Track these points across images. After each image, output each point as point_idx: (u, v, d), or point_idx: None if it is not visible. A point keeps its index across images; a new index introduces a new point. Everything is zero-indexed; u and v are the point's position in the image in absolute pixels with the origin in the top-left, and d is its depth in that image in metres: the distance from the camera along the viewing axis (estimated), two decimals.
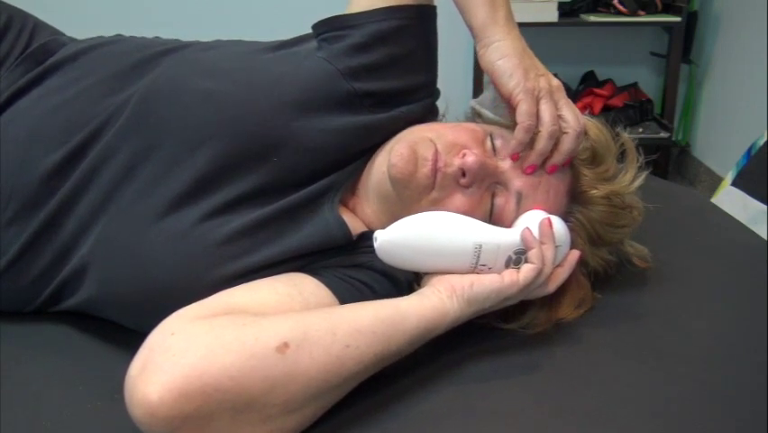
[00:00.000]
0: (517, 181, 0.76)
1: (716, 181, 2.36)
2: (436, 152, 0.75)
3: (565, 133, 0.75)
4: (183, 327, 0.61)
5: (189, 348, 0.58)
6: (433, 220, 0.73)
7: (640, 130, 2.66)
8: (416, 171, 0.74)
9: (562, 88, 0.78)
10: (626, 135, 0.83)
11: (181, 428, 0.56)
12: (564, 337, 0.77)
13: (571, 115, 0.76)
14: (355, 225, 0.80)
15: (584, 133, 0.78)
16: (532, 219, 0.75)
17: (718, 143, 2.69)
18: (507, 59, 0.76)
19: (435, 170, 0.75)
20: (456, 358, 0.73)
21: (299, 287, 0.72)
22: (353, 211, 0.84)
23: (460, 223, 0.73)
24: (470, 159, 0.74)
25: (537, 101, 0.75)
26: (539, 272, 0.72)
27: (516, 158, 0.76)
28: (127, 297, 0.74)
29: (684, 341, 0.78)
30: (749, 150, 1.77)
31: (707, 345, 0.77)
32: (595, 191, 0.79)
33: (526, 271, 0.71)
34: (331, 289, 0.73)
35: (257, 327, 0.61)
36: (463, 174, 0.74)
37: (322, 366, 0.61)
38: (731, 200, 1.70)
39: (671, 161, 2.89)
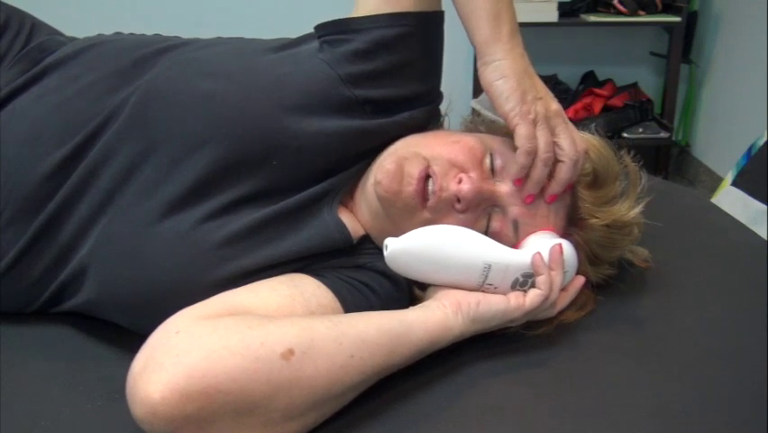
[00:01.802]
0: (514, 209, 0.75)
1: (716, 181, 2.36)
2: (426, 168, 0.74)
3: (561, 161, 0.74)
4: (187, 327, 0.61)
5: (193, 348, 0.58)
6: (445, 234, 0.72)
7: (640, 130, 2.66)
8: (401, 190, 0.74)
9: (562, 113, 0.76)
10: (628, 158, 0.82)
11: (182, 429, 0.56)
12: (565, 338, 0.77)
13: (568, 143, 0.74)
14: (355, 228, 0.80)
15: (584, 157, 0.76)
16: (543, 243, 0.74)
17: (718, 143, 2.69)
18: (504, 80, 0.74)
19: (422, 189, 0.74)
20: (457, 359, 0.73)
21: (300, 288, 0.72)
22: (353, 213, 0.83)
23: (472, 240, 0.73)
24: (466, 187, 0.73)
25: (533, 125, 0.73)
26: (546, 299, 0.72)
27: (519, 183, 0.75)
28: (127, 298, 0.74)
29: (684, 341, 0.78)
30: (749, 150, 1.77)
31: (707, 346, 0.77)
32: (595, 220, 0.77)
33: (533, 296, 0.72)
34: (332, 290, 0.73)
35: (263, 330, 0.61)
36: (458, 200, 0.74)
37: (325, 375, 0.61)
38: (731, 200, 1.70)
39: (671, 161, 2.89)
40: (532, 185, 0.74)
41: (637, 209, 0.79)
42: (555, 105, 0.76)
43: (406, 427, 0.65)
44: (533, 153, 0.73)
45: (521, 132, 0.73)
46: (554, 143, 0.74)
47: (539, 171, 0.73)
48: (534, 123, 0.73)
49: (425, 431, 0.65)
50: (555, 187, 0.75)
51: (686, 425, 0.65)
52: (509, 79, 0.74)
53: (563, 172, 0.74)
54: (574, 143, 0.74)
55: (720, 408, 0.68)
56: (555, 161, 0.74)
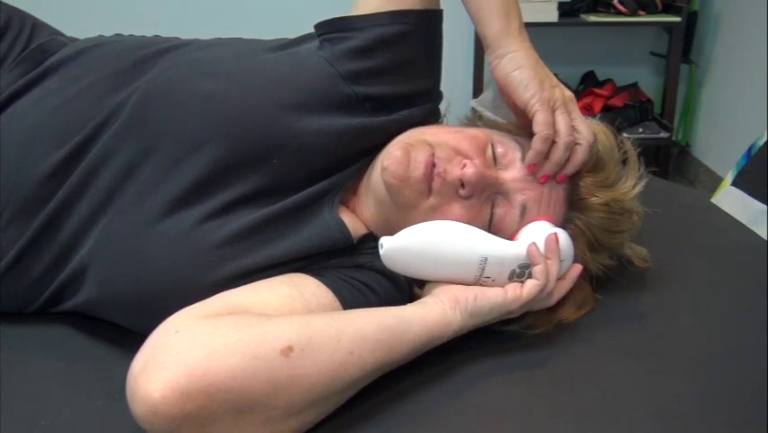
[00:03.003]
0: (520, 195, 0.76)
1: (716, 181, 2.36)
2: (432, 155, 0.75)
3: (578, 144, 0.76)
4: (187, 326, 0.61)
5: (193, 347, 0.58)
6: (440, 230, 0.73)
7: (640, 130, 2.66)
8: (408, 176, 0.74)
9: (575, 100, 0.78)
10: (629, 143, 0.83)
11: (182, 427, 0.56)
12: (564, 337, 0.77)
13: (584, 126, 0.76)
14: (356, 227, 0.80)
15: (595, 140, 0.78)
16: (538, 232, 0.74)
17: (718, 143, 2.69)
18: (522, 69, 0.76)
19: (429, 173, 0.74)
20: (457, 358, 0.73)
21: (300, 288, 0.72)
22: (354, 212, 0.83)
23: (466, 234, 0.73)
24: (470, 171, 0.74)
25: (553, 111, 0.75)
26: (542, 288, 0.73)
27: (532, 168, 0.76)
28: (127, 298, 0.74)
29: (684, 341, 0.78)
30: (749, 150, 1.77)
31: (707, 345, 0.77)
32: (594, 199, 0.78)
33: (530, 287, 0.72)
34: (332, 289, 0.73)
35: (262, 328, 0.61)
36: (462, 185, 0.74)
37: (325, 371, 0.61)
38: (731, 200, 1.70)
39: (671, 161, 2.89)
40: (551, 166, 0.75)
41: (637, 189, 0.80)
42: (569, 92, 0.78)
43: (405, 426, 0.65)
44: (550, 140, 0.74)
45: (540, 118, 0.74)
46: (573, 128, 0.76)
47: (560, 154, 0.75)
48: (554, 109, 0.75)
49: (424, 430, 0.65)
50: (571, 168, 0.76)
51: (686, 425, 0.65)
52: (526, 69, 0.76)
53: (581, 154, 0.76)
54: (589, 127, 0.77)
55: (720, 408, 0.68)
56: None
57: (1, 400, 0.68)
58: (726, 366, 0.74)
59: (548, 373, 0.72)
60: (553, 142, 0.75)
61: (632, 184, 0.80)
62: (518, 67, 0.76)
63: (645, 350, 0.76)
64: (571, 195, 0.79)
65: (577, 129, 0.76)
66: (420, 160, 0.74)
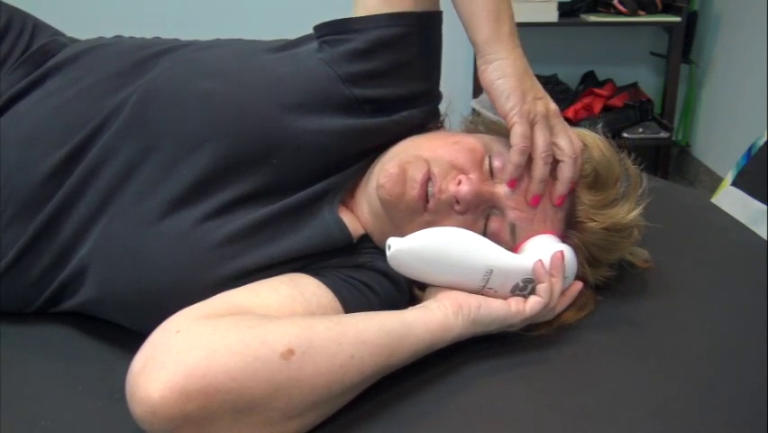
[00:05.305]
0: (512, 213, 0.76)
1: (716, 181, 2.36)
2: (428, 172, 0.74)
3: (561, 160, 0.74)
4: (187, 326, 0.61)
5: (193, 347, 0.58)
6: (449, 237, 0.73)
7: (640, 130, 2.66)
8: (404, 194, 0.74)
9: (559, 113, 0.77)
10: (629, 162, 0.82)
11: (182, 428, 0.56)
12: (565, 338, 0.77)
13: (566, 142, 0.75)
14: (355, 227, 0.80)
15: (583, 154, 0.76)
16: (543, 247, 0.74)
17: (718, 143, 2.69)
18: (506, 79, 0.75)
19: (424, 193, 0.74)
20: (457, 359, 0.73)
21: (301, 288, 0.72)
22: (353, 212, 0.83)
23: (475, 244, 0.73)
24: (465, 188, 0.73)
25: (532, 125, 0.74)
26: (546, 306, 0.73)
27: (513, 184, 0.75)
28: (127, 298, 0.74)
29: (684, 341, 0.78)
30: (749, 150, 1.77)
31: (707, 345, 0.77)
32: (593, 224, 0.77)
33: (534, 303, 0.72)
34: (332, 289, 0.73)
35: (263, 330, 0.61)
36: (457, 202, 0.74)
37: (325, 374, 0.61)
38: (731, 200, 1.70)
39: (671, 161, 2.89)
40: (536, 185, 0.74)
41: (636, 212, 0.78)
42: (553, 105, 0.77)
43: (405, 426, 0.65)
44: (526, 153, 0.74)
45: (517, 131, 0.73)
46: (553, 143, 0.74)
47: (540, 170, 0.74)
48: (533, 123, 0.74)
49: (425, 430, 0.65)
50: (561, 187, 0.75)
51: (686, 425, 0.66)
52: (510, 78, 0.75)
53: (566, 171, 0.74)
54: (572, 142, 0.75)
55: (720, 408, 0.68)
56: (555, 162, 0.75)
57: (1, 400, 0.68)
58: (726, 366, 0.74)
59: (549, 372, 0.72)
60: (532, 158, 0.74)
61: (631, 207, 0.78)
62: (503, 76, 0.75)
63: (645, 350, 0.76)
64: (569, 216, 0.78)
65: (558, 145, 0.75)
66: (416, 179, 0.74)
